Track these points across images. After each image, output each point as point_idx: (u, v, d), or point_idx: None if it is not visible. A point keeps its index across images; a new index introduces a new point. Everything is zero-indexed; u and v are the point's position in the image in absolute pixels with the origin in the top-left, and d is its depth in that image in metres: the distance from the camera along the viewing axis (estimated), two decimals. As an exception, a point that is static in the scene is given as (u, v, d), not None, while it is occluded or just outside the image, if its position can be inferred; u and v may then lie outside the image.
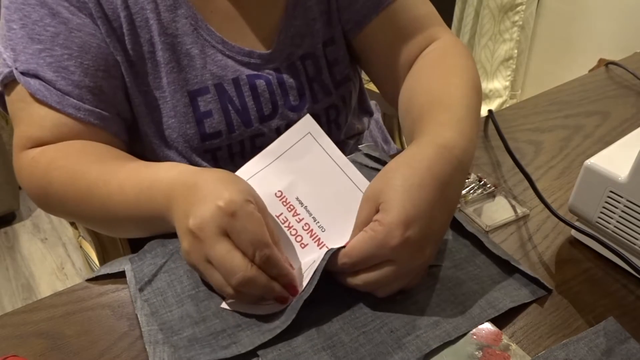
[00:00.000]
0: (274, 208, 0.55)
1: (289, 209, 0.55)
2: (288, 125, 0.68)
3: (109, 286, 0.52)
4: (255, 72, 0.66)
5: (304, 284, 0.48)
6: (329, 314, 0.48)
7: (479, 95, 0.61)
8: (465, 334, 0.46)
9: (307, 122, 0.58)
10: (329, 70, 0.72)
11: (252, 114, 0.66)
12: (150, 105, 0.63)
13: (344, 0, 0.70)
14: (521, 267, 0.52)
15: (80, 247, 0.74)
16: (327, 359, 0.44)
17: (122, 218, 0.54)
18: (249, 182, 0.53)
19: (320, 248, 0.53)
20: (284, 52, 0.68)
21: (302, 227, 0.54)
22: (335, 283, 0.49)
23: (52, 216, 1.88)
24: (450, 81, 0.60)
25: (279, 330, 0.45)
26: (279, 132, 0.69)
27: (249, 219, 0.44)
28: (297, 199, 0.55)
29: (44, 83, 0.56)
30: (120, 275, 0.52)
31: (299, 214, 0.55)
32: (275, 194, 0.55)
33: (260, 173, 0.56)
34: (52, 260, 1.72)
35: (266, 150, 0.57)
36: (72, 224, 0.77)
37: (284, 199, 0.55)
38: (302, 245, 0.54)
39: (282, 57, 0.68)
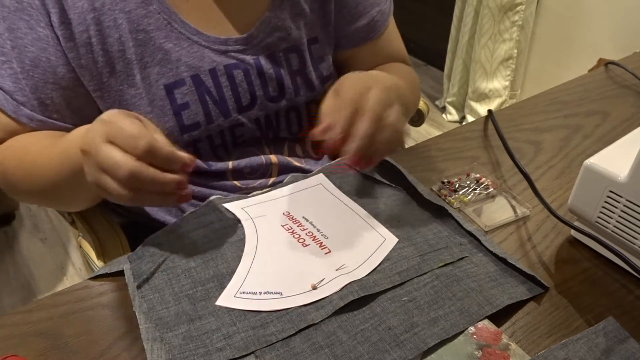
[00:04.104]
0: (280, 221, 0.57)
1: (294, 222, 0.57)
2: (267, 116, 0.70)
3: (109, 286, 0.52)
4: (233, 62, 0.66)
5: (310, 300, 0.48)
6: (329, 316, 0.47)
7: (414, 104, 0.83)
8: (462, 332, 0.46)
9: (319, 178, 0.65)
10: (316, 65, 0.73)
11: (230, 104, 0.67)
12: (126, 103, 0.63)
13: (345, 16, 0.75)
14: (518, 265, 0.52)
15: (80, 247, 0.74)
16: (326, 357, 0.44)
17: (61, 185, 0.59)
18: (258, 202, 0.60)
19: (321, 249, 0.53)
20: (263, 40, 0.67)
21: (306, 233, 0.56)
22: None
23: (52, 216, 1.88)
24: (402, 75, 0.75)
25: (274, 339, 0.45)
26: (258, 122, 0.70)
27: (123, 121, 0.48)
28: (303, 217, 0.58)
29: (3, 92, 0.60)
30: (120, 274, 0.53)
31: (303, 225, 0.57)
32: (283, 212, 0.58)
33: (271, 202, 0.60)
34: (52, 260, 1.72)
35: (277, 190, 0.62)
36: (72, 223, 0.77)
37: (290, 216, 0.58)
38: (304, 245, 0.54)
39: (260, 46, 0.68)
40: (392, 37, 0.81)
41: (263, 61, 0.68)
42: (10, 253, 1.75)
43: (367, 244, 0.55)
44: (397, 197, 0.62)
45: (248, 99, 0.68)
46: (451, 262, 0.53)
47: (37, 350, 0.45)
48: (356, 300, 0.48)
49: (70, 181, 0.58)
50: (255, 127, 0.70)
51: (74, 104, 0.63)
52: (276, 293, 0.49)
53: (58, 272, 1.68)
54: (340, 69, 0.81)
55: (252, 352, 0.44)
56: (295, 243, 0.54)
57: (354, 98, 0.52)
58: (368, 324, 0.47)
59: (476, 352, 0.44)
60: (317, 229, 0.56)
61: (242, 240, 0.55)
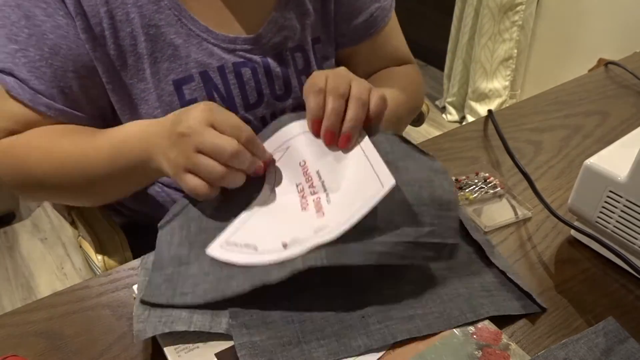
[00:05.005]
0: (295, 175, 0.55)
1: (307, 180, 0.54)
2: (274, 114, 0.70)
3: (109, 286, 0.52)
4: (242, 60, 0.66)
5: (277, 259, 0.46)
6: (308, 294, 0.48)
7: (412, 108, 0.80)
8: (437, 333, 0.46)
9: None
10: (320, 65, 0.73)
11: (238, 102, 0.67)
12: (136, 97, 0.63)
13: (344, 14, 0.74)
14: (518, 282, 0.51)
15: (80, 247, 0.74)
16: (293, 331, 0.45)
17: (103, 177, 0.59)
18: (281, 139, 0.57)
19: (317, 212, 0.51)
20: (270, 40, 0.68)
21: (313, 199, 0.52)
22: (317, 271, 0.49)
23: (52, 216, 1.88)
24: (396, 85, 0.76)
25: (229, 293, 0.46)
26: (264, 121, 0.70)
27: (226, 113, 0.52)
28: (317, 172, 0.54)
29: (18, 81, 0.59)
30: (121, 273, 0.53)
31: (314, 187, 0.53)
32: (300, 162, 0.55)
33: (292, 140, 0.56)
34: (52, 260, 1.72)
35: (302, 121, 0.57)
36: (72, 223, 0.77)
37: (305, 169, 0.54)
38: (303, 208, 0.52)
39: (268, 45, 0.68)
40: (393, 33, 0.81)
41: (270, 60, 0.68)
42: (10, 253, 1.75)
43: (361, 201, 0.48)
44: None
45: (255, 97, 0.68)
46: (447, 267, 0.52)
47: (37, 350, 0.45)
48: (339, 285, 0.49)
49: (120, 173, 0.59)
50: (262, 125, 0.70)
51: (91, 94, 0.63)
52: (252, 248, 0.49)
53: (58, 272, 1.68)
54: (341, 63, 0.81)
55: (227, 317, 0.45)
56: (297, 205, 0.53)
57: (310, 88, 0.55)
58: (344, 309, 0.47)
59: (476, 352, 0.44)
60: (327, 193, 0.52)
61: (258, 192, 0.55)
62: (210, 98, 0.65)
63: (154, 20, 0.61)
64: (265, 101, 0.69)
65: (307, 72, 0.72)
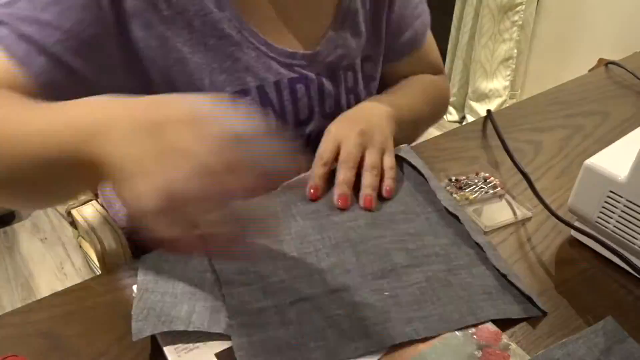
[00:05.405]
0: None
1: None
2: (319, 133, 0.68)
3: (109, 286, 0.52)
4: (297, 76, 0.66)
5: None
6: (307, 294, 0.48)
7: (433, 113, 0.84)
8: (435, 336, 0.46)
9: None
10: (367, 84, 0.74)
11: (289, 118, 0.67)
12: None
13: (394, 31, 0.76)
14: (518, 285, 0.50)
15: (80, 247, 0.74)
16: (292, 332, 0.45)
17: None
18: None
19: None
20: (326, 58, 0.68)
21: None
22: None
23: (52, 216, 1.88)
24: (419, 92, 0.79)
25: None
26: (309, 138, 0.70)
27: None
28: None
29: (15, 34, 0.51)
30: (120, 274, 0.53)
31: None
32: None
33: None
34: (52, 260, 1.72)
35: None
36: (72, 223, 0.77)
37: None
38: None
39: (324, 63, 0.68)
40: (432, 47, 0.83)
41: (324, 78, 0.69)
42: (10, 253, 1.75)
43: None
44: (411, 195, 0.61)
45: (306, 114, 0.68)
46: (448, 269, 0.52)
47: (37, 350, 0.45)
48: (337, 288, 0.49)
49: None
50: (306, 142, 0.70)
51: (88, 80, 0.55)
52: None
53: (58, 272, 1.68)
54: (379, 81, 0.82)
55: (224, 317, 0.46)
56: None
57: (330, 154, 0.62)
58: (342, 311, 0.47)
59: (476, 352, 0.44)
60: None
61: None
62: (265, 112, 0.65)
63: (216, 31, 0.60)
64: (315, 119, 0.69)
65: (354, 91, 0.72)
